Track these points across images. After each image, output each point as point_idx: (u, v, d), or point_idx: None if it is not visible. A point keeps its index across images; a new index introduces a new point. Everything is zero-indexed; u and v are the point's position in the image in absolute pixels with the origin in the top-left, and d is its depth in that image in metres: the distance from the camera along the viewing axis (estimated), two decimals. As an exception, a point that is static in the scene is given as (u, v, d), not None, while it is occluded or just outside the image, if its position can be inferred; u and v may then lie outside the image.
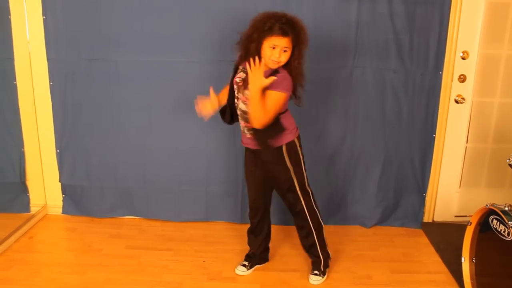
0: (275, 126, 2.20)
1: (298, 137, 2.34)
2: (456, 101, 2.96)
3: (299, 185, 2.35)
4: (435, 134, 3.00)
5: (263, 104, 2.10)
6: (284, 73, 2.14)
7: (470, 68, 2.91)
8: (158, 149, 3.02)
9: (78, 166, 3.11)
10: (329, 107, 2.94)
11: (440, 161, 3.06)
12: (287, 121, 2.28)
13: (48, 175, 3.17)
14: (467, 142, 3.06)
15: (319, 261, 2.48)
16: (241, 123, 2.31)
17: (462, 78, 2.93)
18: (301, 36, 2.11)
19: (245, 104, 2.20)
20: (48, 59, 2.92)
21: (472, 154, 3.09)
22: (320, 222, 2.45)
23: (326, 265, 2.51)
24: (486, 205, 2.14)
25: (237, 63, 2.27)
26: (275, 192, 2.49)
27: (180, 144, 3.01)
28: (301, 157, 2.35)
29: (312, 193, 2.42)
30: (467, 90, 2.95)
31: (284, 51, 2.09)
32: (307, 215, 2.40)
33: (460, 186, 3.14)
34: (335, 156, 3.02)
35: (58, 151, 3.09)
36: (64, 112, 3.01)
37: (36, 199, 3.20)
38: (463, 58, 2.90)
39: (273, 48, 2.08)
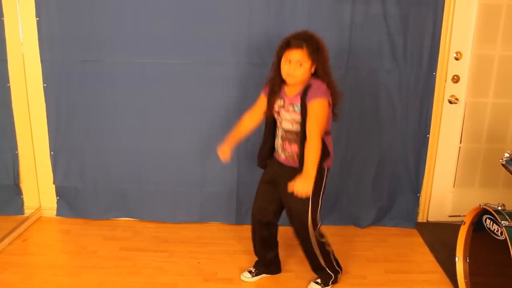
0: (322, 148, 2.16)
1: (330, 167, 2.31)
2: (450, 102, 2.97)
3: (312, 213, 2.26)
4: (429, 135, 3.01)
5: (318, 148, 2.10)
6: (317, 82, 2.13)
7: (463, 68, 2.93)
8: (152, 151, 3.02)
9: (72, 168, 3.10)
10: (323, 108, 2.94)
11: (434, 161, 3.08)
12: (330, 146, 2.28)
13: (42, 177, 3.15)
14: (460, 142, 3.08)
15: (329, 276, 2.45)
16: (279, 141, 2.27)
17: (456, 79, 2.94)
18: (318, 48, 2.10)
19: (290, 124, 2.19)
20: (41, 61, 2.91)
21: (466, 154, 3.10)
22: (326, 249, 2.38)
23: (335, 281, 2.47)
24: (480, 205, 2.15)
25: (272, 83, 2.23)
26: None
27: (174, 145, 3.01)
28: (323, 186, 2.30)
29: (320, 225, 2.35)
30: (461, 90, 2.96)
31: (300, 65, 2.09)
32: (312, 243, 2.32)
33: (454, 186, 3.16)
34: (329, 157, 3.02)
35: (52, 153, 3.08)
36: (58, 114, 3.00)
37: (30, 201, 3.18)
38: (457, 59, 2.91)
39: (289, 62, 2.10)
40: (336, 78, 2.84)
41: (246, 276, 2.52)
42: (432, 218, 3.19)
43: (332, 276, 2.44)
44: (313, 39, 2.10)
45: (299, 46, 2.07)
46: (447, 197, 3.17)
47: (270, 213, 2.40)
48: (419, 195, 3.13)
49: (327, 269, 2.42)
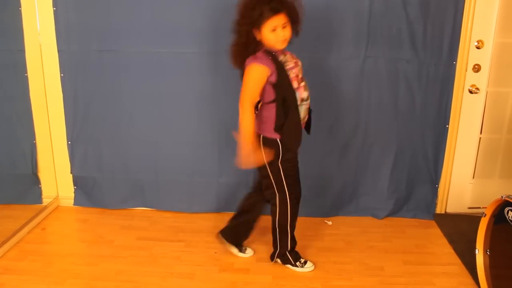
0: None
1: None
2: (470, 91, 2.92)
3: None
4: (448, 125, 2.96)
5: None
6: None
7: (485, 57, 2.86)
8: (169, 140, 3.02)
9: (90, 157, 3.11)
10: (341, 97, 2.91)
11: (453, 152, 3.03)
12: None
13: (59, 166, 3.18)
14: (481, 133, 3.02)
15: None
16: (302, 114, 2.27)
17: (477, 68, 2.88)
18: (292, 5, 2.10)
19: (306, 91, 2.23)
20: (58, 51, 2.92)
21: (486, 145, 3.05)
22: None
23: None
24: (502, 197, 2.11)
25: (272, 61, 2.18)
26: None
27: (191, 135, 3.00)
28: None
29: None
30: (482, 80, 2.90)
31: (284, 27, 2.08)
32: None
33: (473, 177, 3.11)
34: (347, 147, 2.99)
35: (69, 142, 3.10)
36: (75, 103, 3.01)
37: (48, 191, 3.21)
38: (478, 48, 2.85)
39: (274, 30, 2.07)
40: (355, 67, 2.85)
41: (309, 266, 2.52)
42: (451, 209, 3.15)
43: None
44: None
45: (278, 11, 2.04)
46: (466, 188, 3.12)
47: None
48: (438, 186, 3.09)
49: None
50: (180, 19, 2.79)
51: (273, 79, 2.15)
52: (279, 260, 2.54)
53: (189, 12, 2.79)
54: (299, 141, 2.30)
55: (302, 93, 2.22)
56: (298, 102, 2.22)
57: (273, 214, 2.44)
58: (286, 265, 2.52)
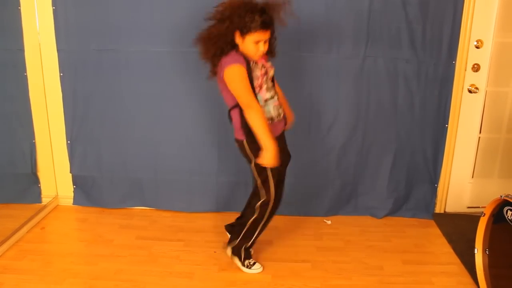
0: None
1: None
2: (470, 91, 2.92)
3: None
4: (447, 124, 2.97)
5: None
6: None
7: (484, 57, 2.86)
8: (168, 140, 3.02)
9: (89, 157, 3.11)
10: (340, 96, 2.91)
11: (452, 152, 3.03)
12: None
13: (59, 166, 3.18)
14: (480, 132, 3.02)
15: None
16: (274, 112, 2.24)
17: (476, 68, 2.88)
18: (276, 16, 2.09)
19: (270, 91, 2.23)
20: (58, 50, 2.92)
21: (485, 144, 3.05)
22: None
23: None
24: (501, 196, 2.11)
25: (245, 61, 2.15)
26: None
27: (190, 134, 3.00)
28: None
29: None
30: (481, 79, 2.91)
31: (265, 42, 2.10)
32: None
33: (472, 177, 3.11)
34: (346, 147, 3.00)
35: (68, 142, 3.10)
36: (74, 103, 3.01)
37: (47, 190, 3.21)
38: (477, 47, 2.85)
39: (257, 43, 2.07)
40: (354, 67, 2.85)
41: (257, 268, 2.50)
42: (450, 209, 3.16)
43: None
44: (275, 9, 2.06)
45: (267, 28, 2.05)
46: (465, 188, 3.13)
47: None
48: (437, 185, 3.09)
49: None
50: (180, 18, 2.79)
51: None
52: (229, 248, 2.50)
53: (189, 11, 2.78)
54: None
55: (264, 95, 2.19)
56: (261, 103, 2.18)
57: (250, 212, 2.40)
58: (233, 258, 2.50)
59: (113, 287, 2.35)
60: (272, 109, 2.23)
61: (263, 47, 2.09)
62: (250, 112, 2.11)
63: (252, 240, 2.45)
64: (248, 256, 2.50)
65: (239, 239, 2.46)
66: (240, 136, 2.25)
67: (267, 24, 2.04)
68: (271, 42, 2.16)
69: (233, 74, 2.09)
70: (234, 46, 2.12)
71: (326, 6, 2.73)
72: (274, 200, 2.35)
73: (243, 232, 2.43)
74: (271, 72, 2.25)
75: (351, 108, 2.93)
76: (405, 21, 2.77)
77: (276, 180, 2.32)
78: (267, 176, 2.28)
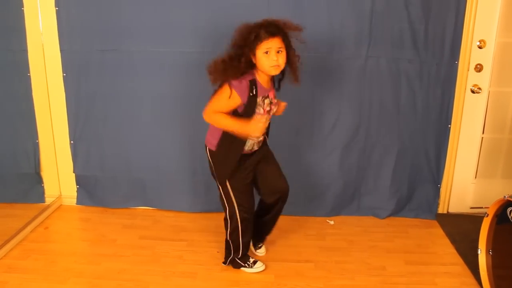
0: None
1: None
2: (472, 91, 2.91)
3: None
4: (450, 125, 2.96)
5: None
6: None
7: (487, 57, 2.86)
8: (171, 140, 3.03)
9: (92, 157, 3.12)
10: (343, 97, 2.91)
11: (455, 152, 3.03)
12: None
13: (62, 166, 3.19)
14: (483, 133, 3.02)
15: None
16: (248, 147, 2.27)
17: (479, 68, 2.88)
18: (287, 31, 2.08)
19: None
20: (61, 50, 2.92)
21: (488, 144, 3.05)
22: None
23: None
24: (504, 197, 2.11)
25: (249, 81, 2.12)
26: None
27: (193, 135, 3.00)
28: None
29: None
30: (484, 80, 2.90)
31: (279, 52, 2.05)
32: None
33: (475, 177, 3.11)
34: (348, 147, 2.99)
35: (71, 142, 3.10)
36: (78, 103, 3.01)
37: (50, 190, 3.22)
38: (480, 47, 2.85)
39: (267, 53, 2.04)
40: (356, 67, 2.85)
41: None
42: (453, 209, 3.15)
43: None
44: (281, 22, 2.06)
45: (272, 35, 2.02)
46: (468, 188, 3.12)
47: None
48: (440, 186, 3.09)
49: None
50: (183, 18, 2.79)
51: (239, 109, 2.14)
52: (229, 265, 2.52)
53: (192, 11, 2.79)
54: (227, 169, 2.27)
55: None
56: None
57: (225, 225, 2.42)
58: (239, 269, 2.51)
59: (116, 286, 2.36)
60: (249, 143, 2.25)
61: (276, 57, 2.04)
62: (210, 119, 2.17)
63: (241, 249, 2.44)
64: (246, 259, 2.50)
65: (231, 255, 2.47)
66: (208, 143, 2.29)
67: (272, 32, 2.02)
68: (292, 60, 2.11)
69: (224, 92, 2.11)
70: (253, 66, 2.11)
71: (328, 7, 2.73)
72: (243, 210, 2.33)
73: (230, 247, 2.45)
74: (273, 110, 2.25)
75: (354, 109, 2.93)
76: (407, 21, 2.76)
77: (242, 190, 2.32)
78: (227, 188, 2.29)
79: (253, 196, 2.40)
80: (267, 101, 2.18)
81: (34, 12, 2.90)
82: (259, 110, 2.17)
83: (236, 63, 2.07)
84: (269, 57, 2.04)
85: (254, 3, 2.74)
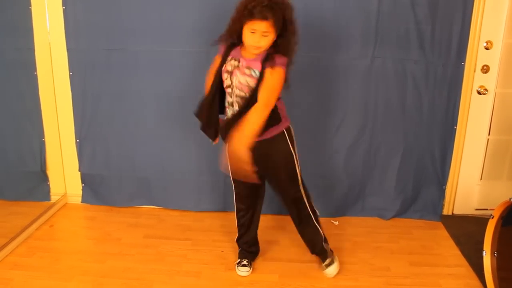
0: (274, 114, 2.15)
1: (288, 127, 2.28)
2: (479, 92, 2.90)
3: (300, 173, 2.31)
4: (456, 126, 2.95)
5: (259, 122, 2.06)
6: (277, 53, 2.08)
7: (493, 58, 2.85)
8: (176, 139, 3.03)
9: (97, 155, 3.13)
10: (349, 97, 2.91)
11: (461, 153, 3.02)
12: (284, 109, 2.25)
13: (68, 164, 3.20)
14: (489, 134, 3.01)
15: (325, 251, 2.46)
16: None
17: (485, 69, 2.87)
18: (286, 17, 2.02)
19: (243, 91, 2.12)
20: (68, 50, 2.94)
21: (494, 146, 3.03)
22: (316, 210, 2.42)
23: (331, 252, 2.50)
24: (510, 199, 2.10)
25: (224, 50, 2.19)
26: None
27: (198, 134, 3.00)
28: (295, 145, 2.29)
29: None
30: (490, 81, 2.89)
31: (264, 35, 2.01)
32: (307, 206, 2.36)
33: (481, 179, 3.10)
34: (353, 147, 2.99)
35: (77, 140, 3.12)
36: (84, 102, 3.03)
37: (56, 188, 3.24)
38: (487, 48, 2.83)
39: (253, 32, 2.01)
40: (362, 68, 2.84)
41: (245, 270, 2.48)
42: (458, 211, 3.14)
43: (327, 251, 2.46)
44: (282, 7, 2.00)
45: (264, 18, 1.96)
46: (473, 190, 3.11)
47: (256, 197, 2.49)
48: (445, 187, 3.08)
49: (322, 240, 2.44)
50: (189, 18, 2.80)
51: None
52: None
53: (198, 11, 2.79)
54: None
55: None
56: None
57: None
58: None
59: (121, 285, 2.37)
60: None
61: (258, 39, 2.01)
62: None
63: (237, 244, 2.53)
64: (240, 256, 2.54)
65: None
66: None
67: (264, 16, 1.96)
68: (283, 43, 2.07)
69: (280, 76, 2.07)
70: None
71: (335, 7, 2.73)
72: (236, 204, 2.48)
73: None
74: (236, 77, 2.13)
75: (359, 109, 2.93)
76: (414, 22, 2.75)
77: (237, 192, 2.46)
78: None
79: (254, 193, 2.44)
80: (233, 62, 2.15)
81: (42, 11, 2.91)
82: (223, 67, 2.17)
83: (232, 25, 2.09)
84: (252, 37, 2.02)
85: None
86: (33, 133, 3.11)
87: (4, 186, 3.20)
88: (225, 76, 2.18)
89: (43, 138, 3.12)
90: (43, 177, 3.20)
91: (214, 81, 2.21)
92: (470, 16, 2.75)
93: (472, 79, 2.87)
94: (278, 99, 2.17)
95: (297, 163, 2.28)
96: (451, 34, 2.78)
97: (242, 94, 2.13)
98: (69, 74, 2.98)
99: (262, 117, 2.06)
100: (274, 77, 2.05)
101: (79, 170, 3.19)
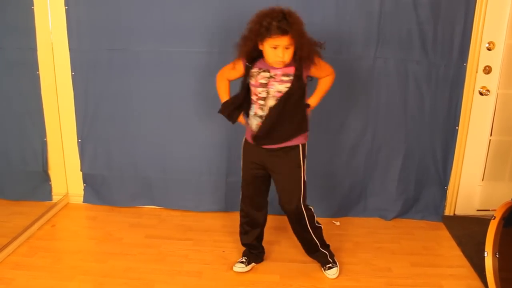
0: (303, 121, 2.26)
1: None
2: (481, 93, 2.90)
3: (305, 190, 2.33)
4: (458, 127, 2.95)
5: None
6: None
7: (496, 59, 2.84)
8: (178, 139, 3.04)
9: (99, 155, 3.14)
10: (351, 98, 2.91)
11: (462, 154, 3.01)
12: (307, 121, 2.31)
13: (69, 164, 3.21)
14: (491, 135, 3.00)
15: (325, 255, 2.47)
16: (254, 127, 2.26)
17: (487, 70, 2.86)
18: (299, 28, 2.06)
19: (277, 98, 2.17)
20: (70, 50, 2.94)
21: (496, 147, 3.03)
22: (318, 225, 2.42)
23: (332, 255, 2.50)
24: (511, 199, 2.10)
25: (245, 62, 2.20)
26: None
27: (200, 134, 3.01)
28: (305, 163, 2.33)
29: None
30: (492, 81, 2.89)
31: (286, 48, 2.06)
32: (308, 225, 2.36)
33: (483, 180, 3.09)
34: (355, 148, 2.99)
35: (79, 140, 3.12)
36: (86, 102, 3.03)
37: (58, 188, 3.24)
38: (489, 49, 2.83)
39: (275, 48, 2.05)
40: (364, 68, 2.84)
41: (239, 267, 2.49)
42: (460, 211, 3.14)
43: (327, 254, 2.46)
44: (295, 19, 2.03)
45: (284, 33, 2.01)
46: (475, 190, 3.11)
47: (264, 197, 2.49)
48: (447, 188, 3.07)
49: (320, 246, 2.44)
50: (191, 18, 2.80)
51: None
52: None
53: (200, 11, 2.80)
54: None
55: (254, 107, 2.24)
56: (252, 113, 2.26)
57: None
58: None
59: (122, 285, 2.37)
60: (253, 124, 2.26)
61: (282, 53, 2.05)
62: (217, 77, 2.35)
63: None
64: (243, 253, 2.55)
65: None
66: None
67: (283, 30, 2.00)
68: (301, 53, 2.09)
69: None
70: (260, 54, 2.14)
71: (337, 7, 2.73)
72: (241, 199, 2.50)
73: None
74: (274, 87, 2.17)
75: (361, 109, 2.93)
76: (416, 23, 2.75)
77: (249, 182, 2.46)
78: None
79: (260, 196, 2.44)
80: (264, 73, 2.16)
81: (44, 11, 2.92)
82: (252, 81, 2.18)
83: (247, 43, 2.12)
84: (275, 53, 2.06)
85: (264, 4, 2.74)
86: (35, 133, 3.11)
87: (6, 186, 3.21)
88: (259, 90, 2.19)
89: (45, 138, 3.13)
90: (45, 177, 3.21)
91: (241, 92, 2.26)
92: (472, 17, 2.75)
93: (474, 80, 2.87)
94: (307, 106, 2.29)
95: (303, 177, 2.31)
96: (453, 34, 2.77)
97: (274, 102, 2.18)
98: (71, 74, 2.99)
99: (333, 81, 2.34)
100: (319, 59, 2.20)
101: (81, 170, 3.19)
